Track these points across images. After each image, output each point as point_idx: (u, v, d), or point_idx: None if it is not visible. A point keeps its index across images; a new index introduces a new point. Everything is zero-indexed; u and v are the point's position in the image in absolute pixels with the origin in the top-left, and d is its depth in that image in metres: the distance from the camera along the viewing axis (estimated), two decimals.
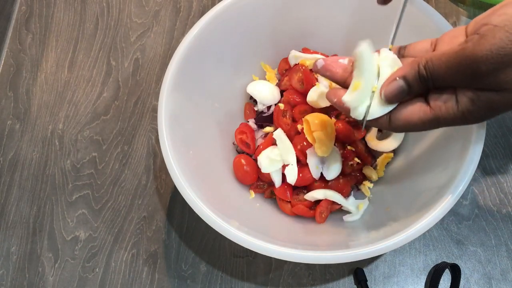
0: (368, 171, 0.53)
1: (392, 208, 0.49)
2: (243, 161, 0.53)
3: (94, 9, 0.70)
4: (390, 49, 0.38)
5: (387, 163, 0.54)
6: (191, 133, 0.50)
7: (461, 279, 0.51)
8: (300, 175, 0.51)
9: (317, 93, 0.51)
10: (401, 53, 0.40)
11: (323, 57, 0.47)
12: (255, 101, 0.57)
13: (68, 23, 0.69)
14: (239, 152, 0.56)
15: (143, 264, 0.56)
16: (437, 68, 0.33)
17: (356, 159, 0.52)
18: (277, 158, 0.51)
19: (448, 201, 0.42)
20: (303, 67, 0.53)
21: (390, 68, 0.37)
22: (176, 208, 0.57)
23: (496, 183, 0.56)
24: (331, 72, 0.39)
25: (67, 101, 0.64)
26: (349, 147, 0.52)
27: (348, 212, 0.52)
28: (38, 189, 0.60)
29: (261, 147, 0.53)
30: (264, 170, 0.51)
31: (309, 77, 0.52)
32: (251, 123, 0.56)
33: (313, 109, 0.52)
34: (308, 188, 0.52)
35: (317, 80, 0.53)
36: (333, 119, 0.51)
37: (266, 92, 0.55)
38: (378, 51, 0.38)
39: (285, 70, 0.57)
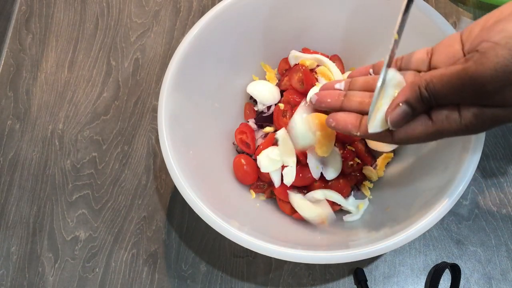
0: (368, 171, 0.53)
1: (392, 208, 0.49)
2: (243, 161, 0.53)
3: (94, 9, 0.70)
4: (395, 39, 0.38)
5: (387, 163, 0.54)
6: (191, 133, 0.50)
7: (461, 279, 0.51)
8: (300, 175, 0.51)
9: None
10: (397, 64, 0.40)
11: (326, 57, 0.47)
12: (255, 101, 0.57)
13: (68, 23, 0.69)
14: (239, 152, 0.56)
15: (143, 264, 0.56)
16: (439, 89, 0.33)
17: (356, 159, 0.52)
18: (277, 158, 0.51)
19: (448, 201, 0.42)
20: (303, 67, 0.53)
21: (393, 88, 0.37)
22: (176, 208, 0.57)
23: (496, 183, 0.56)
24: (326, 103, 0.42)
25: (67, 101, 0.64)
26: (349, 147, 0.52)
27: (348, 212, 0.52)
28: (38, 189, 0.60)
29: (261, 147, 0.53)
30: (263, 169, 0.51)
31: (309, 77, 0.52)
32: (251, 123, 0.56)
33: (313, 109, 0.52)
34: (308, 188, 0.52)
35: (317, 80, 0.53)
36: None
37: (266, 92, 0.55)
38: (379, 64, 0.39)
39: (285, 70, 0.57)
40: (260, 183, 0.54)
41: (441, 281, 0.51)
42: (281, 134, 0.51)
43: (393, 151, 0.54)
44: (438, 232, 0.54)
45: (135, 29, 0.68)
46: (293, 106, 0.53)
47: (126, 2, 0.70)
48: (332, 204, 0.51)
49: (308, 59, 0.54)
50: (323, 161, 0.51)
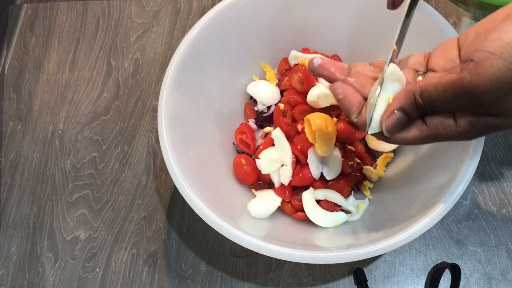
0: (368, 171, 0.53)
1: (392, 208, 0.49)
2: (243, 161, 0.53)
3: (95, 10, 0.70)
4: (394, 49, 0.38)
5: (387, 163, 0.54)
6: (191, 133, 0.50)
7: (461, 279, 0.50)
8: (300, 175, 0.51)
9: (317, 93, 0.51)
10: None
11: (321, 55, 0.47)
12: (255, 101, 0.57)
13: (70, 24, 0.69)
14: (239, 152, 0.56)
15: (143, 264, 0.55)
16: (434, 97, 0.33)
17: (356, 159, 0.52)
18: (276, 158, 0.51)
19: (448, 201, 0.42)
20: (303, 67, 0.53)
21: (393, 84, 0.37)
22: (176, 208, 0.57)
23: (496, 183, 0.56)
24: (328, 71, 0.38)
25: (68, 102, 0.64)
26: (349, 147, 0.52)
27: (348, 212, 0.52)
28: (38, 189, 0.60)
29: (261, 147, 0.53)
30: (264, 171, 0.51)
31: (309, 77, 0.52)
32: (251, 123, 0.56)
33: (313, 109, 0.52)
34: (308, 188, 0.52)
35: (317, 80, 0.53)
36: (334, 119, 0.51)
37: (266, 92, 0.55)
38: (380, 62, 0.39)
39: (285, 70, 0.57)
40: (260, 182, 0.54)
41: (441, 281, 0.51)
42: (276, 133, 0.51)
43: (393, 151, 0.54)
44: (438, 232, 0.54)
45: (135, 29, 0.68)
46: (293, 106, 0.53)
47: (127, 3, 0.70)
48: (333, 205, 0.51)
49: (308, 59, 0.54)
50: (323, 161, 0.51)
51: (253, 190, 0.53)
